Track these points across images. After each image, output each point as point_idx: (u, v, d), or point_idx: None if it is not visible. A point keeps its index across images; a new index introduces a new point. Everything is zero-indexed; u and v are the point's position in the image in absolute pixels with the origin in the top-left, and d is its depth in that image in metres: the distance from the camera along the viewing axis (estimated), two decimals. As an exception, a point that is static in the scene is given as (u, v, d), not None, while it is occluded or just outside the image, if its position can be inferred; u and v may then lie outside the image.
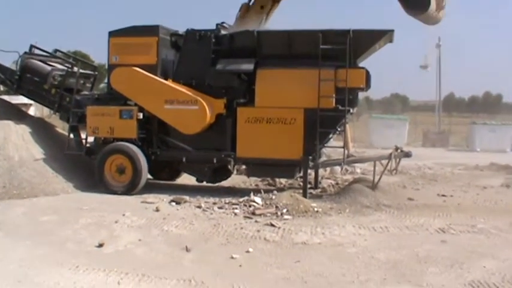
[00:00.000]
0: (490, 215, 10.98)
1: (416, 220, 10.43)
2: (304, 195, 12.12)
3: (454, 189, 14.43)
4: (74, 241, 8.68)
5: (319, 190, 13.84)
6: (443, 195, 13.41)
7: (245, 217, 10.49)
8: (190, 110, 12.56)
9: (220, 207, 11.26)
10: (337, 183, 14.76)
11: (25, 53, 15.00)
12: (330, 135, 12.83)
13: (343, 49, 11.82)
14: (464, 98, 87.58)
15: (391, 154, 12.92)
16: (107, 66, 13.80)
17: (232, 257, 7.92)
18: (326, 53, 11.89)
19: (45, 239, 8.79)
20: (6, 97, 19.89)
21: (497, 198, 13.22)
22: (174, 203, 11.66)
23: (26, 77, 14.68)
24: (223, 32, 13.08)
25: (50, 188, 12.59)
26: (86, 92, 14.77)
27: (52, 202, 11.68)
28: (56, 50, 16.17)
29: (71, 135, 14.08)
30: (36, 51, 15.43)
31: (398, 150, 13.18)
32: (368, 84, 12.32)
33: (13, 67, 15.09)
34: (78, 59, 16.73)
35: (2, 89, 21.77)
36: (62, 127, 16.61)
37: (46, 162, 13.28)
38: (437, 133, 39.50)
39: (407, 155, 13.34)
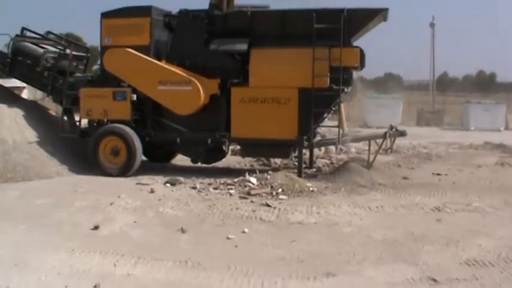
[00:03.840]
0: (485, 194, 10.99)
1: (412, 199, 10.44)
2: (299, 175, 12.10)
3: (449, 168, 14.44)
4: (69, 224, 8.65)
5: (314, 170, 13.83)
6: (438, 174, 13.41)
7: (240, 197, 10.48)
8: (184, 91, 12.52)
9: (215, 188, 11.25)
10: (332, 163, 14.76)
11: (17, 35, 14.89)
12: (325, 115, 12.82)
13: (337, 28, 11.75)
14: (458, 77, 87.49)
15: (386, 133, 12.91)
16: (99, 48, 13.72)
17: (228, 238, 7.91)
18: (320, 32, 11.83)
19: (41, 222, 8.76)
20: (-2, 80, 19.81)
21: (491, 176, 13.24)
22: (169, 184, 11.64)
23: (18, 60, 14.58)
24: (216, 12, 12.97)
25: (45, 171, 12.57)
26: (79, 74, 14.68)
27: (47, 185, 11.66)
28: (48, 32, 16.05)
29: (65, 118, 14.05)
30: (28, 34, 15.33)
31: (393, 129, 13.17)
32: (362, 63, 12.30)
33: (5, 50, 14.99)
34: (71, 41, 16.62)
35: (-6, 72, 21.62)
36: (55, 110, 16.54)
37: (40, 145, 13.23)
38: (432, 112, 39.52)
39: (402, 134, 13.34)
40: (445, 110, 40.61)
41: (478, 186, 12.12)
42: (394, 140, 13.29)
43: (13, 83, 19.12)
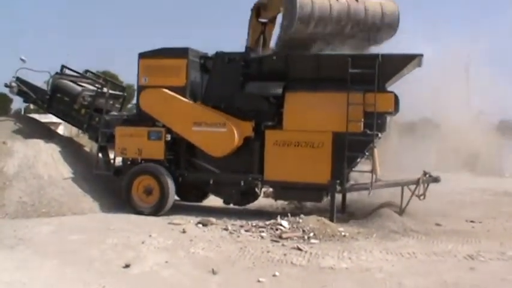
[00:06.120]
0: (520, 243, 10.80)
1: (445, 246, 10.30)
2: (331, 219, 12.04)
3: (482, 215, 14.22)
4: (100, 261, 8.72)
5: (346, 214, 13.73)
6: (471, 221, 13.20)
7: (272, 240, 10.45)
8: (218, 133, 12.61)
9: (247, 230, 11.24)
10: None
11: (56, 73, 15.20)
12: (358, 160, 12.77)
13: (371, 73, 11.79)
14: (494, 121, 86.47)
15: (419, 179, 12.81)
16: (136, 87, 13.92)
17: (258, 281, 7.90)
18: (355, 77, 11.86)
19: (73, 258, 8.84)
20: (35, 115, 20.16)
21: (527, 225, 12.99)
22: (200, 225, 11.65)
23: (56, 97, 14.87)
24: (252, 55, 13.10)
25: (78, 207, 12.69)
26: (114, 113, 14.90)
27: (80, 221, 11.76)
28: (86, 71, 16.36)
29: (100, 155, 14.21)
30: (67, 72, 15.63)
31: (427, 175, 13.06)
32: (397, 108, 12.28)
33: (44, 87, 15.29)
34: (108, 79, 16.89)
35: (32, 107, 22.07)
36: (90, 147, 16.75)
37: (74, 181, 13.38)
38: (466, 157, 38.91)
39: (436, 180, 13.20)
40: (480, 155, 40.05)
41: (512, 235, 11.92)
42: (427, 186, 13.14)
43: (49, 118, 19.40)
